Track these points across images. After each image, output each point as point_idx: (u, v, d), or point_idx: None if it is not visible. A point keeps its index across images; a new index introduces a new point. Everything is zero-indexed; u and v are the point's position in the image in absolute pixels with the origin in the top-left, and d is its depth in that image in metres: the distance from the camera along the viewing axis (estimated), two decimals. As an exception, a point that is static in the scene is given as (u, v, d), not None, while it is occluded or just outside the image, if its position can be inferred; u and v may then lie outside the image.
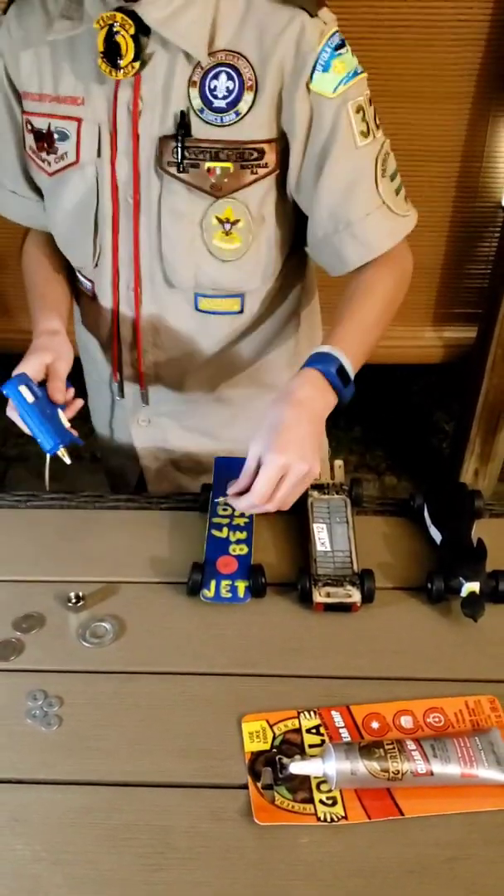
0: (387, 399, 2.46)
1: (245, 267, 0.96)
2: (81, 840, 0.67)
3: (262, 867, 0.66)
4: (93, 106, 0.92)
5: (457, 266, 1.98)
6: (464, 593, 0.84)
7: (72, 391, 0.94)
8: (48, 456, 0.92)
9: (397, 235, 0.95)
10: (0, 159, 1.04)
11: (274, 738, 0.74)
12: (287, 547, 0.94)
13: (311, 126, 0.89)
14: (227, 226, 0.93)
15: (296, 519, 0.95)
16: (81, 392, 0.97)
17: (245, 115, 0.88)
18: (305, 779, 0.71)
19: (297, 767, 0.70)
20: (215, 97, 0.88)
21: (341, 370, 0.87)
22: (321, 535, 0.91)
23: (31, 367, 0.92)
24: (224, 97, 0.88)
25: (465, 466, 2.14)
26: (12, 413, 0.91)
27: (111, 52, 0.86)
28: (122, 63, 0.86)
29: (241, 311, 1.01)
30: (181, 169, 0.90)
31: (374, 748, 0.70)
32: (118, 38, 0.85)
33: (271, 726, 0.75)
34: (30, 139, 0.98)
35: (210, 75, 0.87)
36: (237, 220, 0.93)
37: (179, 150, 0.89)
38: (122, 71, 0.87)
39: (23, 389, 0.89)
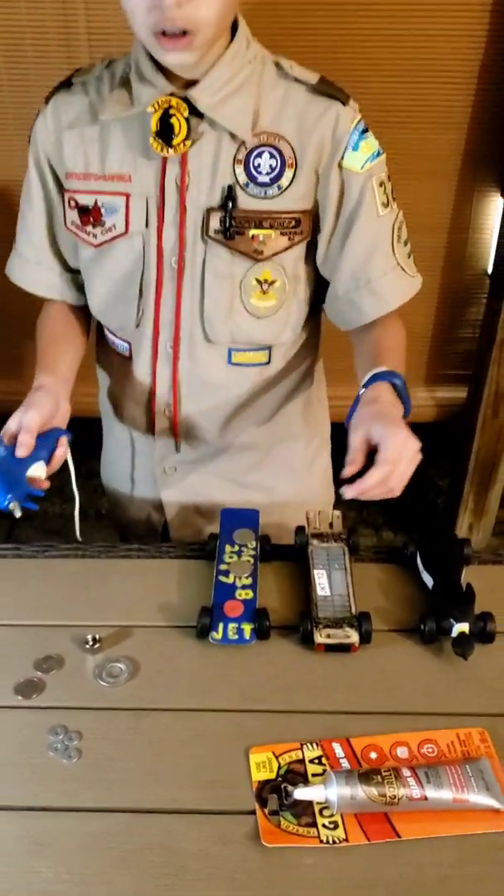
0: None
1: (277, 322, 1.07)
2: (100, 862, 0.72)
3: (269, 886, 0.71)
4: (140, 181, 1.02)
5: (447, 330, 2.09)
6: (454, 634, 0.90)
7: (64, 443, 1.00)
8: (76, 504, 1.00)
9: (409, 293, 1.07)
10: (28, 235, 1.14)
11: (279, 768, 0.80)
12: (289, 592, 1.00)
13: (342, 196, 1.01)
14: (265, 286, 1.03)
15: (297, 566, 1.02)
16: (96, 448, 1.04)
17: (286, 188, 1.00)
18: (309, 804, 0.76)
19: (301, 793, 0.76)
20: (259, 173, 0.99)
21: (404, 385, 0.98)
22: (321, 581, 0.97)
23: (6, 427, 0.98)
24: (268, 173, 0.99)
25: (460, 521, 2.22)
26: None
27: (164, 133, 0.96)
28: (174, 142, 0.96)
29: (268, 363, 1.11)
30: (228, 236, 1.00)
31: (373, 775, 0.76)
32: (172, 119, 0.96)
33: (276, 757, 0.81)
34: (72, 215, 1.07)
35: (254, 154, 0.98)
36: (274, 281, 1.03)
37: (227, 219, 0.99)
38: (173, 149, 0.97)
39: None
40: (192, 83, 0.96)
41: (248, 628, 0.92)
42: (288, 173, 1.00)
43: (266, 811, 0.76)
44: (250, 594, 0.96)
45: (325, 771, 0.79)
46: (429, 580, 0.98)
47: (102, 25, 1.66)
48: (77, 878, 0.71)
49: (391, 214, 1.04)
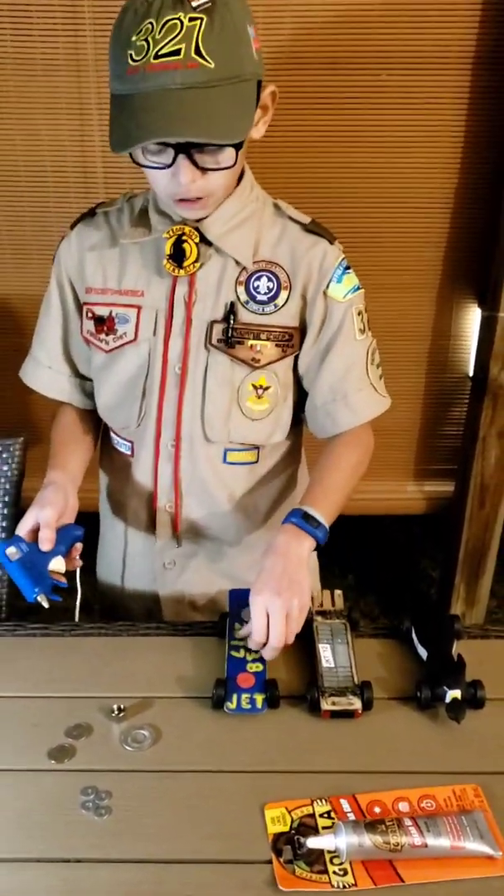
0: (377, 549, 2.65)
1: (269, 424, 1.19)
2: (133, 908, 0.80)
3: (287, 928, 0.78)
4: (152, 296, 1.16)
5: (433, 428, 2.23)
6: (448, 699, 0.99)
7: (79, 547, 1.12)
8: (78, 594, 1.12)
9: (377, 410, 1.20)
10: (43, 342, 1.27)
11: (292, 821, 0.88)
12: (296, 665, 1.09)
13: (325, 320, 1.15)
14: (260, 391, 1.16)
15: (302, 641, 1.12)
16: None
17: (282, 307, 1.14)
18: (320, 854, 0.84)
19: (313, 842, 0.84)
20: (258, 293, 1.13)
21: (307, 516, 1.08)
22: (326, 654, 1.07)
23: (23, 524, 1.10)
24: (265, 293, 1.14)
25: (453, 610, 2.30)
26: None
27: (177, 256, 1.11)
28: (185, 264, 1.11)
29: (257, 462, 1.23)
30: (229, 345, 1.14)
31: (377, 824, 0.84)
32: (185, 245, 1.10)
33: (289, 812, 0.89)
34: (89, 325, 1.20)
35: (254, 277, 1.13)
36: (269, 386, 1.16)
37: (230, 330, 1.13)
38: (184, 270, 1.12)
39: (9, 550, 1.06)
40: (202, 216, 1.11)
41: (259, 698, 1.01)
42: (283, 294, 1.14)
43: (282, 860, 0.83)
44: (260, 667, 1.05)
45: (333, 823, 0.86)
46: (423, 652, 1.08)
47: (117, 163, 1.85)
48: (111, 923, 0.78)
49: (366, 340, 1.18)
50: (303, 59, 1.79)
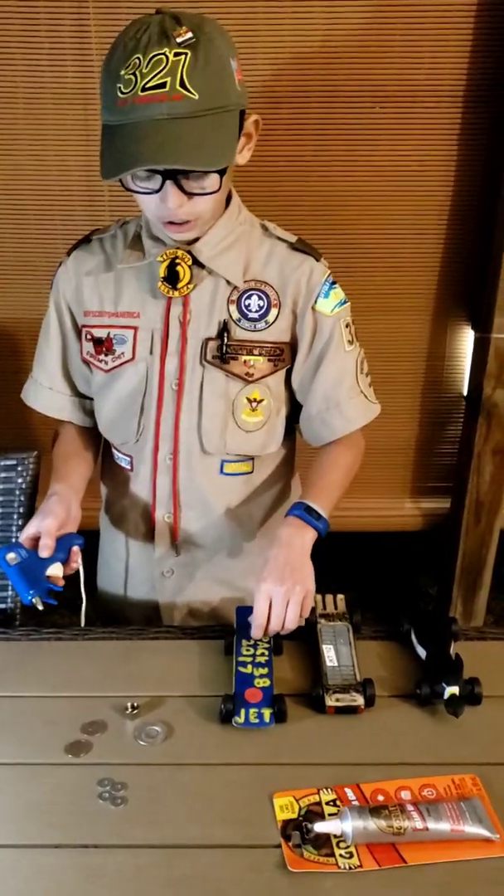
0: (376, 567, 2.69)
1: (263, 435, 1.25)
2: (149, 889, 0.83)
3: (296, 906, 0.82)
4: (147, 317, 1.22)
5: (429, 446, 2.29)
6: (446, 696, 1.04)
7: (77, 551, 1.17)
8: (84, 601, 1.19)
9: (369, 416, 1.27)
10: (44, 364, 1.32)
11: (300, 809, 0.92)
12: (302, 665, 1.14)
13: (315, 334, 1.22)
14: (254, 404, 1.22)
15: (307, 643, 1.17)
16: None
17: (272, 324, 1.20)
18: (327, 838, 0.88)
19: (321, 827, 0.88)
20: (249, 311, 1.20)
21: (309, 509, 1.15)
22: (329, 654, 1.12)
23: (25, 532, 1.15)
24: (256, 311, 1.20)
25: (449, 625, 2.34)
26: None
27: (171, 278, 1.17)
28: (179, 285, 1.17)
29: (252, 472, 1.29)
30: (224, 360, 1.20)
31: (381, 810, 0.88)
32: (178, 268, 1.17)
33: (297, 801, 0.93)
34: (88, 346, 1.26)
35: (245, 296, 1.20)
36: (262, 399, 1.22)
37: (224, 346, 1.19)
38: (178, 291, 1.18)
39: (8, 556, 1.12)
40: (194, 239, 1.18)
41: (267, 713, 1.03)
42: (273, 311, 1.21)
43: (290, 844, 0.88)
44: (267, 682, 1.08)
45: (339, 810, 0.91)
46: (422, 652, 1.13)
47: (122, 189, 1.92)
48: (129, 904, 0.82)
49: (355, 351, 1.25)
50: (300, 92, 1.88)
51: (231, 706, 1.04)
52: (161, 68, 0.98)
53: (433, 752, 1.00)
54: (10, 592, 1.45)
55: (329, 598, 1.21)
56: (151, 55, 0.98)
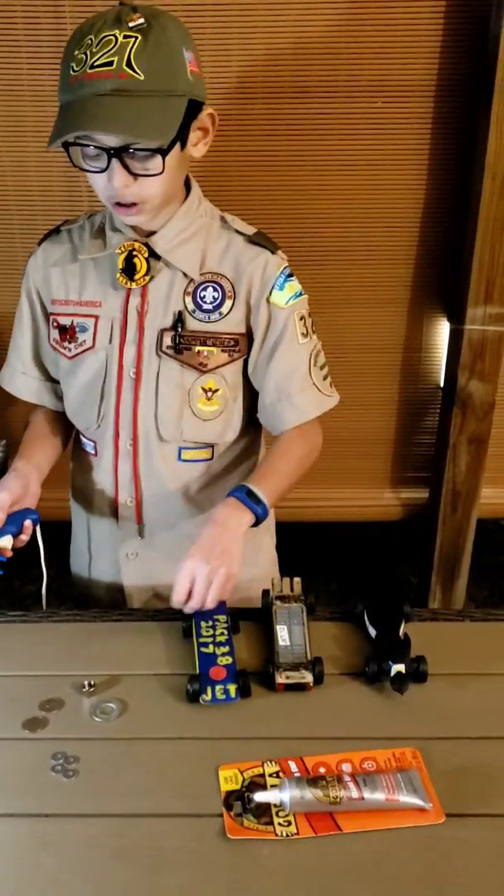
0: (358, 558, 2.73)
1: (220, 424, 1.29)
2: (98, 857, 0.87)
3: (235, 871, 0.85)
4: (108, 307, 1.26)
5: (406, 437, 2.32)
6: (392, 673, 1.08)
7: (29, 525, 1.20)
8: (45, 579, 1.23)
9: (322, 408, 1.30)
10: (18, 350, 1.38)
11: (243, 780, 0.96)
12: (256, 644, 1.18)
13: (269, 325, 1.25)
14: (210, 393, 1.25)
15: (263, 623, 1.20)
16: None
17: (226, 315, 1.24)
18: (267, 808, 0.92)
19: (260, 796, 0.92)
20: (204, 302, 1.23)
21: (250, 492, 1.18)
22: (283, 634, 1.15)
23: None
24: (211, 303, 1.23)
25: (428, 613, 2.37)
26: None
27: (129, 269, 1.21)
28: (136, 277, 1.21)
29: (212, 459, 1.32)
30: (178, 351, 1.23)
31: (319, 780, 0.92)
32: (135, 259, 1.21)
33: (241, 773, 0.97)
34: (55, 333, 1.31)
35: (200, 288, 1.23)
36: (217, 389, 1.26)
37: (178, 338, 1.22)
38: (135, 282, 1.22)
39: None
40: (152, 232, 1.21)
41: (232, 688, 1.07)
42: (227, 303, 1.24)
43: (232, 814, 0.91)
44: (230, 660, 1.11)
45: (280, 781, 0.94)
46: (373, 631, 1.16)
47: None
48: (78, 870, 0.85)
49: (310, 344, 1.28)
50: (274, 87, 1.90)
51: (197, 685, 1.07)
52: (110, 48, 1.03)
53: (377, 727, 1.04)
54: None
55: (286, 580, 1.24)
56: (102, 36, 1.03)
